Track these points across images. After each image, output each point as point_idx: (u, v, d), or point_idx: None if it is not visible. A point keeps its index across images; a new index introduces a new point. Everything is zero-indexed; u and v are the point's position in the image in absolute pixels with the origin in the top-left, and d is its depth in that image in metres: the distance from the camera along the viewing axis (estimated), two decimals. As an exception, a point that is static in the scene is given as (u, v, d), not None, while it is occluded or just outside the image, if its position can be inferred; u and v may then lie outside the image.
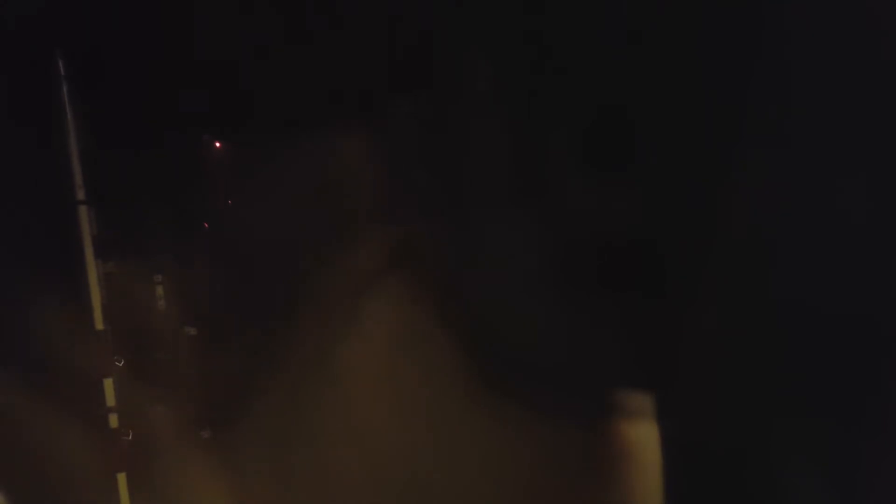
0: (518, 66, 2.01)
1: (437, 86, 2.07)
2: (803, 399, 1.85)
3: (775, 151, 1.86)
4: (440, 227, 2.14)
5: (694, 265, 1.98)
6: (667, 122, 1.94)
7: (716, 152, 1.91)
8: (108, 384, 2.01)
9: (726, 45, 1.82)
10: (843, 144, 1.75)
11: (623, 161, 1.98)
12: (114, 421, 2.02)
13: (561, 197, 2.08)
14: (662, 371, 2.03)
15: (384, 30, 2.01)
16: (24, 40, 1.92)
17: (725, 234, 1.94)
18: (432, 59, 2.05)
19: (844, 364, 1.78)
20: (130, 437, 2.02)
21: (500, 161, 2.09)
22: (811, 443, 1.85)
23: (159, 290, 2.08)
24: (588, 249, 2.06)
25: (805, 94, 1.79)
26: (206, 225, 2.08)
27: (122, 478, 2.02)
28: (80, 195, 1.98)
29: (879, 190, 1.71)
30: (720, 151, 1.90)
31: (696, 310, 1.99)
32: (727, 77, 1.84)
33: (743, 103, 1.85)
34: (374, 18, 2.00)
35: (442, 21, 2.01)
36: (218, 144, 2.06)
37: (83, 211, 1.98)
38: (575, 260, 2.07)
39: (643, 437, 1.97)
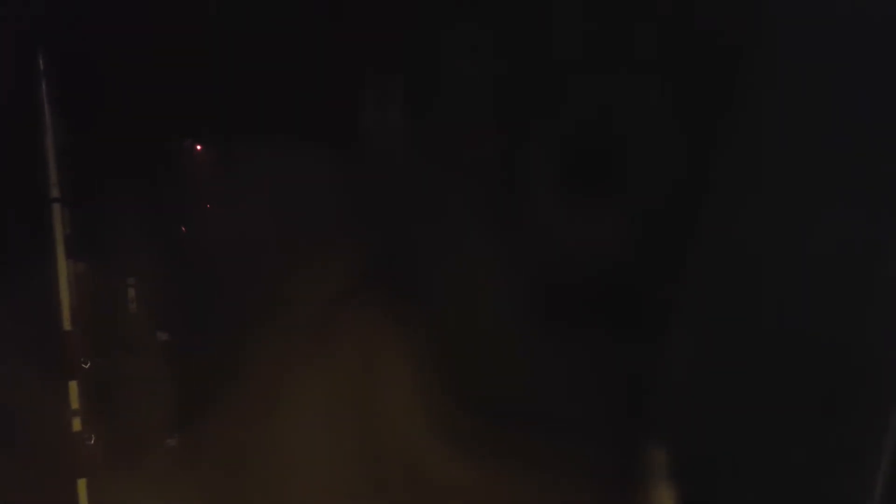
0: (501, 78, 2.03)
1: (416, 93, 2.09)
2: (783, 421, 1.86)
3: (756, 173, 1.89)
4: (416, 241, 2.15)
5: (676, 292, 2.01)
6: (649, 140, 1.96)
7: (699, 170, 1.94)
8: (73, 387, 1.97)
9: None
10: (823, 172, 1.78)
11: (604, 183, 2.01)
12: (77, 424, 1.98)
13: (539, 221, 2.10)
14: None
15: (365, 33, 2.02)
16: (2, 37, 1.90)
17: (708, 258, 1.97)
18: (413, 63, 2.07)
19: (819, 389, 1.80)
20: (93, 442, 1.98)
21: (481, 181, 2.10)
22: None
23: (131, 292, 2.05)
24: (567, 276, 2.07)
25: (788, 113, 1.83)
26: (184, 229, 2.07)
27: (82, 483, 1.98)
28: (55, 193, 1.94)
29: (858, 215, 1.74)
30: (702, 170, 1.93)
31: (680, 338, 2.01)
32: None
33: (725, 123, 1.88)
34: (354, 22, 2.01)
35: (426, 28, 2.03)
36: (198, 148, 2.04)
37: (56, 209, 1.94)
38: (554, 287, 2.08)
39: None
